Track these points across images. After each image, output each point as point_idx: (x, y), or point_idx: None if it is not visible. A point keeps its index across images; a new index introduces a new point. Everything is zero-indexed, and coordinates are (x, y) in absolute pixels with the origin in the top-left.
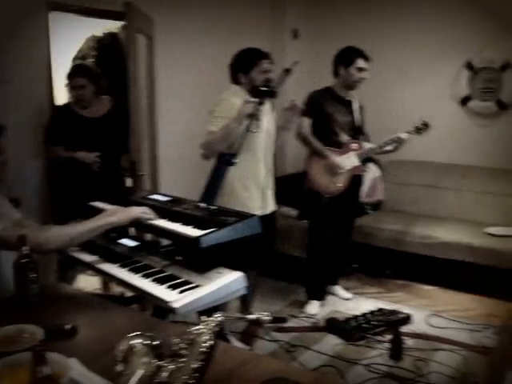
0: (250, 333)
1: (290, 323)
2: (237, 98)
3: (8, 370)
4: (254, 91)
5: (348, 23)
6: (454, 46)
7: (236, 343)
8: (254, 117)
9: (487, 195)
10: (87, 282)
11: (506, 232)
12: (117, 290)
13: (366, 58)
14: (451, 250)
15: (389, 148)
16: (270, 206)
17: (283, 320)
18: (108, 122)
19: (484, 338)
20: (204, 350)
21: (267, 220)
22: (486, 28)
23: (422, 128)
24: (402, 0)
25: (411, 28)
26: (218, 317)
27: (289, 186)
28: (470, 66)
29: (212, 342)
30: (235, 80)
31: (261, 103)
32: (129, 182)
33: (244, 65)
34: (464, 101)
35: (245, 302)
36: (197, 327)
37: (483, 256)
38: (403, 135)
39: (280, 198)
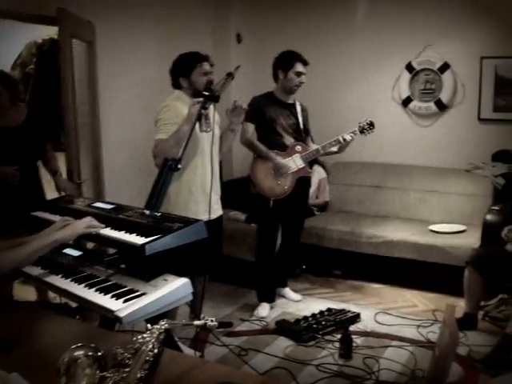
0: (200, 339)
1: (241, 327)
2: (180, 103)
3: None
4: (197, 95)
5: (291, 27)
6: (395, 48)
7: (186, 350)
8: (204, 116)
9: (430, 194)
10: (23, 292)
11: (448, 229)
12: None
13: (304, 62)
14: (397, 248)
15: (333, 149)
16: (217, 211)
17: (229, 324)
18: (25, 131)
19: (430, 334)
20: (149, 358)
21: (214, 225)
22: (425, 30)
23: (367, 128)
24: (342, 5)
25: (353, 31)
26: (163, 325)
27: (236, 190)
28: (410, 68)
29: (157, 351)
30: (176, 85)
31: (204, 108)
32: (53, 193)
33: (184, 68)
34: (405, 102)
35: (194, 308)
36: (141, 336)
37: (428, 253)
38: (347, 136)
39: (228, 202)
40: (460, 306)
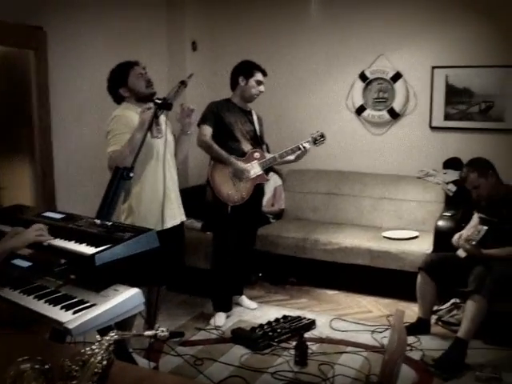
0: (154, 349)
1: (197, 336)
2: (129, 112)
3: None
4: (144, 100)
5: (247, 36)
6: (349, 58)
7: (141, 361)
8: (155, 122)
9: (384, 201)
10: None
11: (401, 235)
12: None
13: (263, 73)
14: (352, 254)
15: (290, 158)
16: (178, 217)
17: (181, 334)
18: None
19: (385, 339)
20: (97, 370)
21: (175, 231)
22: (378, 40)
23: (319, 139)
24: (297, 15)
25: (308, 41)
26: (112, 336)
27: (192, 198)
28: (363, 77)
29: (106, 362)
30: (119, 98)
31: (156, 116)
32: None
33: (118, 78)
34: (359, 110)
35: (149, 318)
36: (89, 348)
37: (381, 259)
38: (305, 144)
39: (184, 209)
40: (413, 310)
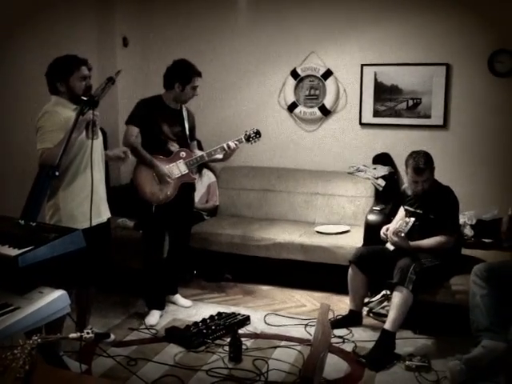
0: (86, 351)
1: (130, 336)
2: (60, 108)
3: None
4: (75, 99)
5: (177, 32)
6: (281, 55)
7: (72, 364)
8: (91, 124)
9: (316, 196)
10: None
11: (333, 230)
12: None
13: (199, 75)
14: (285, 249)
15: (218, 156)
16: (104, 215)
17: (107, 336)
18: None
19: None
20: (20, 375)
21: (101, 229)
22: (309, 38)
23: (254, 136)
24: (225, 12)
25: (239, 37)
26: (35, 339)
27: (124, 197)
28: (295, 74)
29: (28, 367)
30: (54, 90)
31: (82, 113)
32: None
33: (61, 73)
34: (291, 107)
35: (80, 320)
36: (10, 352)
37: (314, 253)
38: (231, 143)
39: (116, 208)
40: (346, 303)
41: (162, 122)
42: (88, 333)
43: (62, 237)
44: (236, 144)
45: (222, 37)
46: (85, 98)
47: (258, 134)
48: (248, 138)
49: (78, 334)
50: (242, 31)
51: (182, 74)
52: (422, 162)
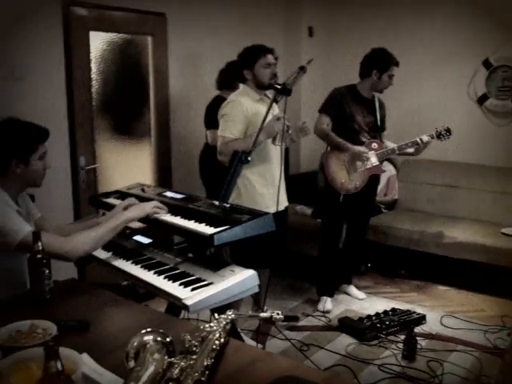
0: (262, 331)
1: (303, 322)
2: (245, 98)
3: (20, 365)
4: (262, 87)
5: (364, 22)
6: (472, 45)
7: (249, 341)
8: (280, 133)
9: (504, 195)
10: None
11: None
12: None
13: (398, 65)
14: (466, 250)
15: (409, 150)
16: (283, 203)
17: (296, 318)
18: None
19: (498, 340)
20: (215, 347)
21: (280, 217)
22: (503, 25)
23: (444, 133)
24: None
25: (427, 28)
26: (229, 315)
27: (303, 184)
28: (487, 65)
29: (223, 340)
30: (242, 78)
31: (276, 100)
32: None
33: (248, 60)
34: (481, 100)
35: (258, 300)
36: (208, 325)
37: (498, 257)
38: (425, 138)
39: (294, 195)
40: None
41: (355, 112)
42: (278, 313)
43: (255, 219)
44: (428, 139)
45: (408, 25)
46: (278, 86)
47: (448, 131)
48: (439, 135)
49: (269, 313)
50: (431, 19)
51: (380, 62)
52: None
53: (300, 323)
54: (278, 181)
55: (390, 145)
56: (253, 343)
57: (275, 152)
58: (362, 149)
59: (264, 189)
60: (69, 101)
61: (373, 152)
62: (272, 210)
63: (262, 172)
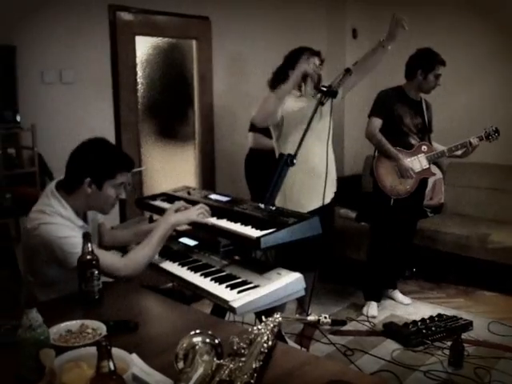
0: (306, 335)
1: (347, 326)
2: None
3: (72, 364)
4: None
5: (411, 25)
6: None
7: (293, 345)
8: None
9: None
10: None
11: None
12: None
13: (444, 64)
14: None
15: (457, 153)
16: (329, 195)
17: (343, 323)
18: None
19: None
20: (263, 350)
21: (326, 211)
22: None
23: (493, 134)
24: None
25: (472, 26)
26: (277, 318)
27: (347, 188)
28: None
29: (271, 343)
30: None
31: (322, 103)
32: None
33: (292, 60)
34: None
35: (302, 304)
36: (256, 327)
37: None
38: (474, 140)
39: (338, 199)
40: None
41: (403, 114)
42: (325, 317)
43: (301, 222)
44: (477, 141)
45: (454, 27)
46: (324, 89)
47: (497, 132)
48: (488, 136)
49: (316, 317)
50: (477, 20)
51: (426, 61)
52: None
53: (344, 328)
54: (324, 173)
55: (439, 147)
56: (297, 347)
57: (323, 147)
58: (409, 165)
59: (311, 183)
60: (115, 104)
61: (423, 155)
62: (318, 204)
63: (308, 168)
